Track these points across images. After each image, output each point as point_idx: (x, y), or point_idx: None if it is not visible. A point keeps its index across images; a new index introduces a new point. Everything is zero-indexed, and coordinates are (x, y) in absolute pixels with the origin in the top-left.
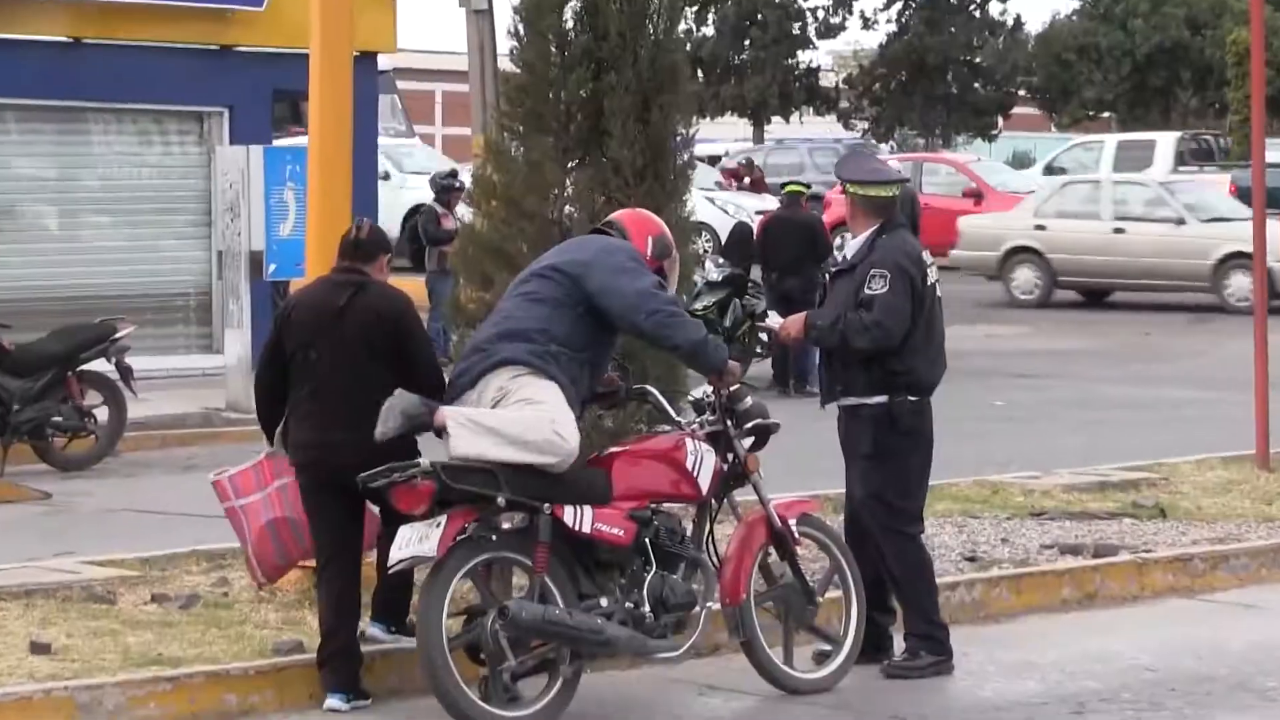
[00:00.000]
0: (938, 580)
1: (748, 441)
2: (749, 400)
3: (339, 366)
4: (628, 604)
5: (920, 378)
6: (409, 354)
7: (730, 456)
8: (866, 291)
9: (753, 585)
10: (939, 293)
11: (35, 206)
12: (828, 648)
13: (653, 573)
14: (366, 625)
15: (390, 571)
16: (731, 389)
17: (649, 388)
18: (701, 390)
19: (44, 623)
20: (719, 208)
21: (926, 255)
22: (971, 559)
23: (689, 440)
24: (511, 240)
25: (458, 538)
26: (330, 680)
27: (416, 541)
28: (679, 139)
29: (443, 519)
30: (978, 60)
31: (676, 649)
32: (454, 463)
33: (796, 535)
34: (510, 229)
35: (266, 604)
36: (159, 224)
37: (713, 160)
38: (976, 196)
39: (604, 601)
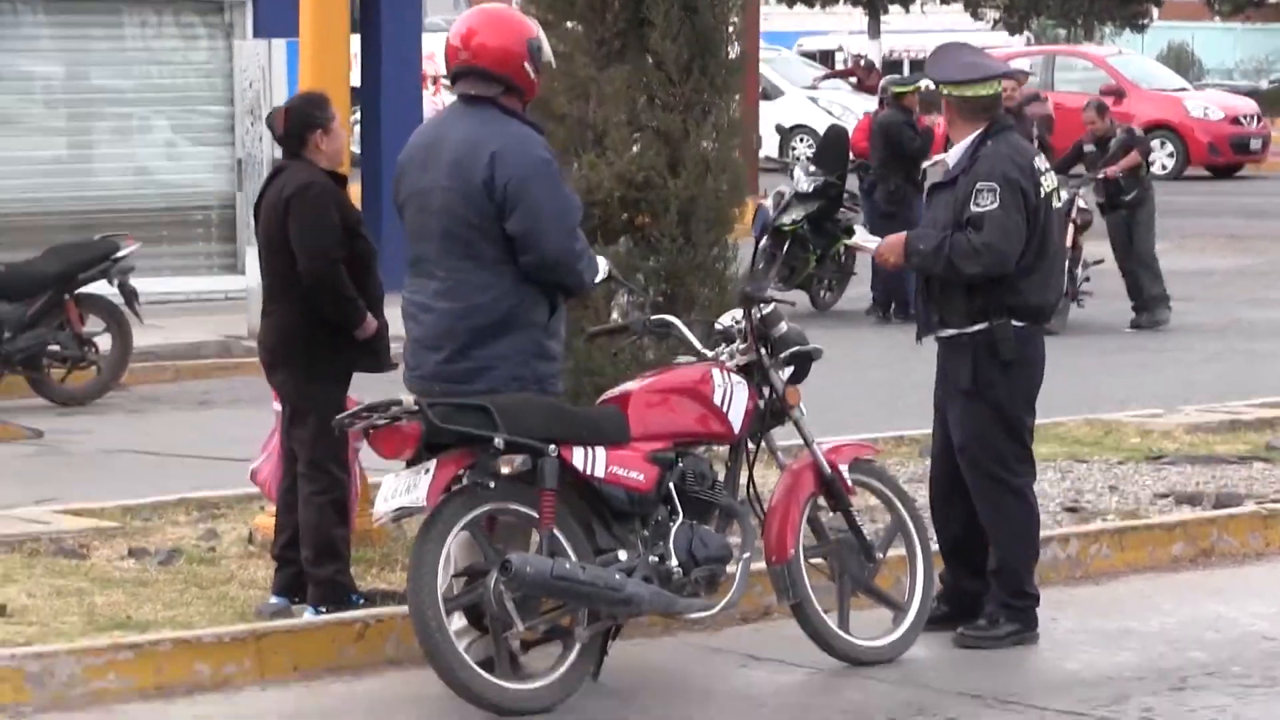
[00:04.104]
0: None
1: (785, 373)
2: (784, 325)
3: (259, 260)
4: (651, 558)
5: (1028, 300)
6: (292, 243)
7: (766, 391)
8: (973, 208)
9: (801, 541)
10: (1057, 203)
11: (36, 109)
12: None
13: (680, 522)
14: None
15: (376, 523)
16: (765, 312)
17: (670, 318)
18: (730, 317)
19: (5, 580)
20: (823, 108)
21: (1040, 162)
22: (1073, 509)
23: (716, 371)
24: None
25: (451, 487)
26: (275, 580)
27: (404, 491)
28: (731, 29)
29: (431, 464)
30: None
31: (710, 608)
32: (442, 400)
33: (849, 483)
34: None
35: (257, 559)
36: (177, 128)
37: (824, 56)
38: (1117, 95)
39: (623, 555)
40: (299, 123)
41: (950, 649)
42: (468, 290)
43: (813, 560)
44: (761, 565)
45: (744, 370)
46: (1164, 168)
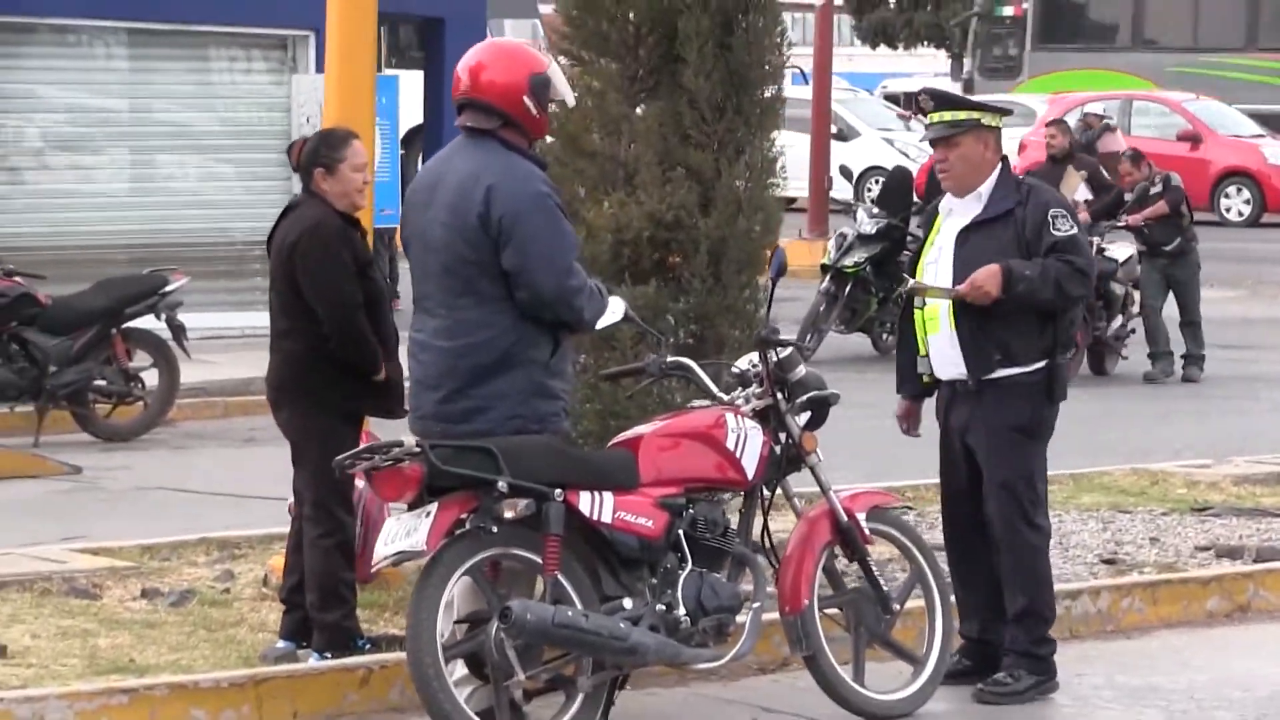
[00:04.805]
0: (1061, 586)
1: (802, 418)
2: (802, 369)
3: (270, 298)
4: (659, 606)
5: (1071, 335)
6: (301, 288)
7: (782, 436)
8: (1055, 234)
9: (816, 591)
10: None
11: (94, 142)
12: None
13: (689, 570)
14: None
15: (373, 570)
16: (782, 356)
17: (685, 360)
18: (747, 360)
19: (11, 620)
20: (898, 150)
21: None
22: (1110, 561)
23: (730, 415)
24: (567, 182)
25: (454, 530)
26: (283, 623)
27: (404, 535)
28: (766, 67)
29: (433, 508)
30: None
31: (718, 658)
32: (445, 442)
33: (866, 532)
34: (566, 169)
35: (270, 602)
36: (236, 163)
37: (908, 99)
38: (1193, 140)
39: (629, 603)
40: (307, 157)
41: (969, 704)
42: (466, 328)
43: (828, 611)
44: (775, 615)
45: (760, 415)
46: (1240, 214)
